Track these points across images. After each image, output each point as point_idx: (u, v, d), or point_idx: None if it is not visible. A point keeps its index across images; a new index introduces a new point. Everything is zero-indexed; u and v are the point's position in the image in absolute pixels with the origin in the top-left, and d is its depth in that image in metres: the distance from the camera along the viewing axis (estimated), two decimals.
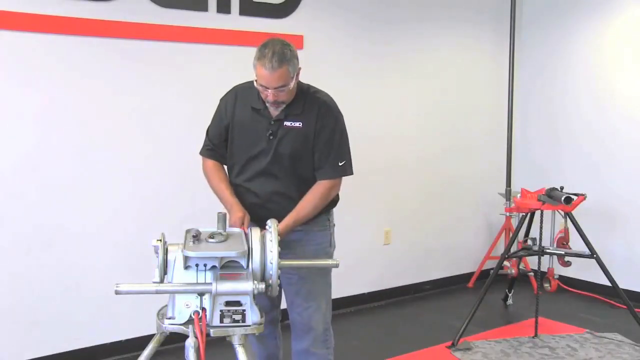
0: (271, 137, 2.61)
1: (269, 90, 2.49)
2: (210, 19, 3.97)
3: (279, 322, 2.93)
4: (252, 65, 2.52)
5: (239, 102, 2.68)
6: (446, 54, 5.25)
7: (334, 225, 2.84)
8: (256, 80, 2.53)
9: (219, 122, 2.73)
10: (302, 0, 4.34)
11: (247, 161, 2.67)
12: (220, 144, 2.73)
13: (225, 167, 2.79)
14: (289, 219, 2.57)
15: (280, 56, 2.45)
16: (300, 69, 2.56)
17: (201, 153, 2.80)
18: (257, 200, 2.65)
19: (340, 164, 2.66)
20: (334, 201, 2.79)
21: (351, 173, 2.72)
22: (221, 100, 2.78)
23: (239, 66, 4.03)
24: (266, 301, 2.71)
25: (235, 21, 4.06)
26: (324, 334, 2.78)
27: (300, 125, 2.60)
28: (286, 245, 2.60)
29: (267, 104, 2.58)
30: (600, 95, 5.20)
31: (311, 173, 2.67)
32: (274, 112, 2.60)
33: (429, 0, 5.07)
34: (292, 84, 2.52)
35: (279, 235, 2.29)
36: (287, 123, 2.60)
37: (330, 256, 2.77)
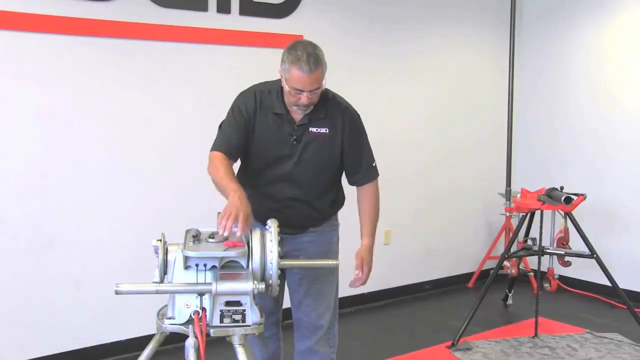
0: (295, 142, 2.55)
1: (304, 94, 2.43)
2: (210, 19, 3.97)
3: (280, 323, 2.91)
4: (282, 69, 2.44)
5: (260, 104, 2.57)
6: (446, 54, 5.25)
7: (339, 224, 2.85)
8: (286, 84, 2.44)
9: (238, 121, 2.56)
10: (302, 0, 4.35)
11: (266, 166, 2.60)
12: (237, 145, 2.55)
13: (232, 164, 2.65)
14: (370, 229, 2.69)
15: (315, 57, 2.40)
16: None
17: (213, 148, 2.55)
18: (275, 205, 2.59)
19: (374, 165, 2.72)
20: (342, 202, 2.79)
21: (378, 174, 2.77)
22: (239, 99, 2.62)
23: (239, 66, 4.06)
24: (270, 303, 2.69)
25: (235, 21, 4.06)
26: (329, 333, 2.78)
27: (327, 131, 2.57)
28: (298, 247, 2.62)
29: (295, 108, 2.50)
30: (600, 96, 5.20)
31: (332, 179, 2.66)
32: (298, 116, 2.55)
33: (429, 0, 5.07)
34: (324, 85, 2.50)
35: (369, 246, 2.62)
36: (313, 129, 2.56)
37: (336, 254, 2.80)
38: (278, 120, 2.56)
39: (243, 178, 2.61)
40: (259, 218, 2.46)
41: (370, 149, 2.73)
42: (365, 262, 2.67)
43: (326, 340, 2.77)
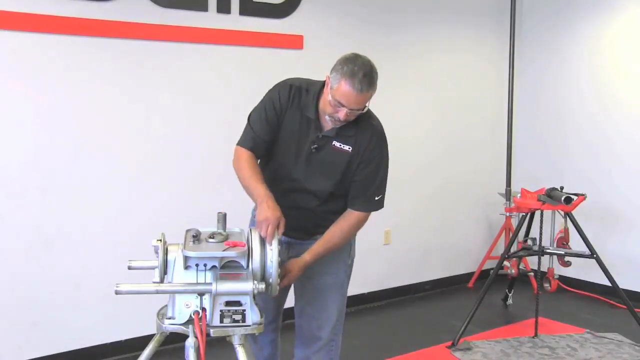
0: (314, 150, 2.45)
1: (344, 110, 2.32)
2: (210, 19, 3.96)
3: (279, 330, 2.82)
4: (331, 77, 2.34)
5: (293, 102, 2.47)
6: (446, 55, 5.25)
7: (354, 242, 2.74)
8: (330, 93, 2.33)
9: (269, 115, 2.47)
10: (302, 0, 4.35)
11: (280, 166, 2.51)
12: (264, 140, 2.47)
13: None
14: (318, 248, 2.47)
15: (370, 79, 2.31)
16: None
17: (240, 144, 2.50)
18: (284, 204, 2.43)
19: (376, 198, 2.54)
20: None
21: (382, 207, 2.58)
22: (273, 91, 2.52)
23: (239, 66, 4.06)
24: (272, 309, 2.66)
25: (235, 21, 4.06)
26: (330, 345, 2.68)
27: (350, 149, 2.45)
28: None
29: (328, 118, 2.40)
30: (600, 95, 5.20)
31: (342, 192, 2.54)
32: (328, 125, 2.44)
33: (428, 1, 5.07)
34: (367, 107, 2.40)
35: (305, 262, 2.42)
36: (337, 144, 2.44)
37: (347, 266, 2.70)
38: (305, 123, 2.46)
39: (262, 172, 2.51)
40: None
41: (384, 183, 2.55)
42: (290, 276, 2.44)
43: (326, 352, 2.68)
